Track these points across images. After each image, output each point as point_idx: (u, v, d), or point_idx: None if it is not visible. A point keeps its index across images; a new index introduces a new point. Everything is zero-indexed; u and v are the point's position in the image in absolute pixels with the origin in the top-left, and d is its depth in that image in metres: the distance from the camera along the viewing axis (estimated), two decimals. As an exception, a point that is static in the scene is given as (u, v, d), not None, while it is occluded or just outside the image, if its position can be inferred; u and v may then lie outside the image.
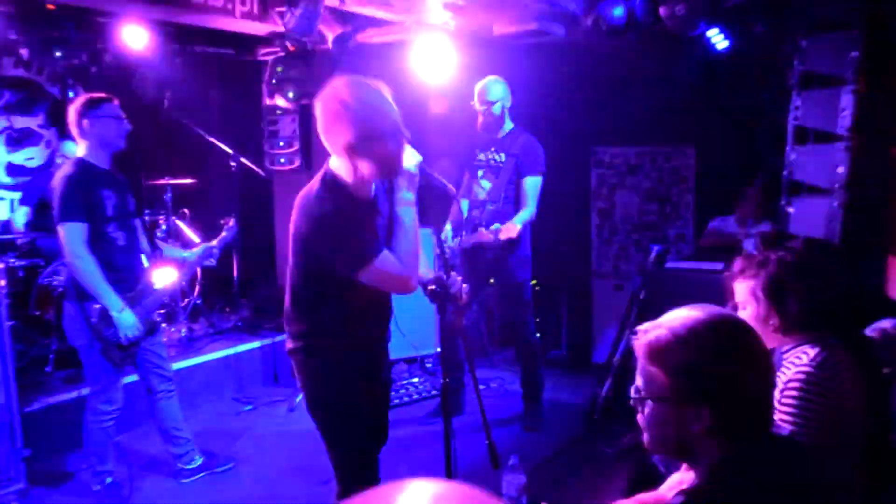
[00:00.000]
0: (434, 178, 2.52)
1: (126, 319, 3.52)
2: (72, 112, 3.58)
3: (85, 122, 3.55)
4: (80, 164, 3.57)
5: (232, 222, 4.21)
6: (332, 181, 2.42)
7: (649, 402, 1.48)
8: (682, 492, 1.41)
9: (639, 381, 1.50)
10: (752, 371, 1.42)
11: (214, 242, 4.10)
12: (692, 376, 1.41)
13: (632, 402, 1.53)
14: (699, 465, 1.46)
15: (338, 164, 2.42)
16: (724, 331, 1.44)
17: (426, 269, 2.69)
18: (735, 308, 2.18)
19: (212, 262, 4.08)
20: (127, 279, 3.65)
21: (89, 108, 3.57)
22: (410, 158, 2.40)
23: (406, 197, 2.41)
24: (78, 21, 5.17)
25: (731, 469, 1.39)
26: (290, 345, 2.62)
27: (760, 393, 1.43)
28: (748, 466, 1.38)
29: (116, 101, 3.66)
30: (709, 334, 1.42)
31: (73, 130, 3.60)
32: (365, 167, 2.35)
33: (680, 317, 1.48)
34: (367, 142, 2.29)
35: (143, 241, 3.88)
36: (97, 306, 3.49)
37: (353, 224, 2.34)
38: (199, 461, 4.08)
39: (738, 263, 2.19)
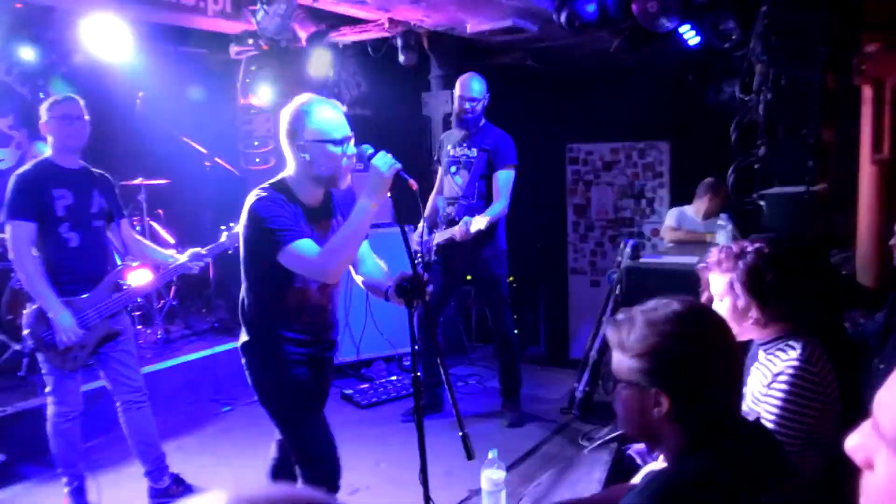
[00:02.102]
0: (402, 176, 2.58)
1: (62, 321, 3.41)
2: (41, 112, 3.55)
3: (43, 121, 3.52)
4: (40, 163, 3.51)
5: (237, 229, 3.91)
6: (279, 181, 2.69)
7: (619, 387, 1.52)
8: (646, 476, 1.44)
9: (613, 366, 1.54)
10: (715, 362, 1.44)
11: (208, 248, 3.82)
12: (655, 363, 1.45)
13: (608, 385, 1.57)
14: (666, 451, 1.49)
15: (292, 171, 2.68)
16: (690, 321, 1.46)
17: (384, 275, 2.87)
18: (710, 300, 2.21)
19: (197, 267, 3.81)
20: (77, 282, 3.54)
21: (48, 108, 3.53)
22: (384, 162, 2.52)
23: (368, 199, 2.55)
24: (48, 20, 5.11)
25: (692, 456, 1.42)
26: (240, 339, 2.84)
27: (724, 384, 1.45)
28: (709, 454, 1.41)
29: (77, 101, 3.57)
30: (675, 323, 1.45)
31: (43, 130, 3.56)
32: (314, 167, 2.61)
33: (651, 306, 1.51)
34: (318, 144, 2.58)
35: (117, 243, 3.81)
36: (34, 307, 3.43)
37: (282, 211, 2.56)
38: (166, 482, 3.84)
39: (714, 255, 2.21)
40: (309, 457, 2.81)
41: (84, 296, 3.54)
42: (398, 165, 2.53)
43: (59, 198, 3.49)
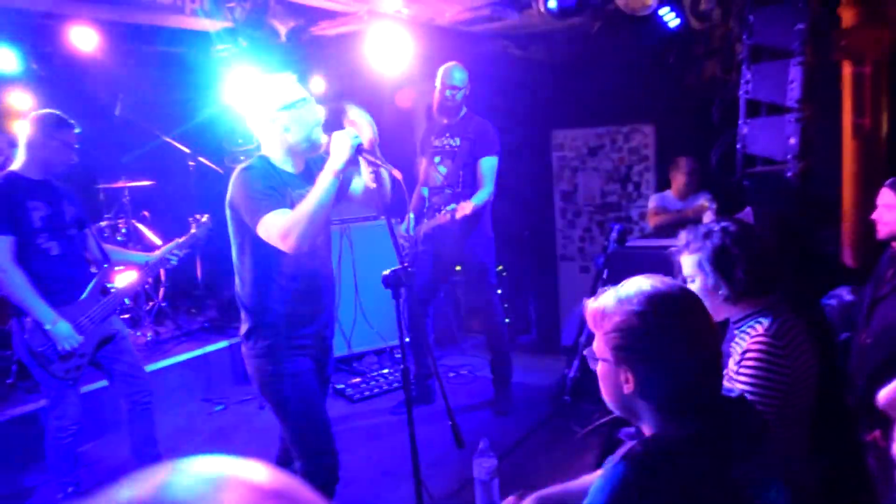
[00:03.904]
0: (380, 163, 2.59)
1: (60, 330, 3.40)
2: (32, 120, 3.49)
3: (41, 136, 3.47)
4: (7, 177, 3.47)
5: (205, 218, 3.97)
6: (257, 156, 2.75)
7: (597, 363, 1.55)
8: (621, 452, 1.45)
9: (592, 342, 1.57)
10: (683, 339, 1.44)
11: (182, 240, 3.89)
12: (621, 339, 1.46)
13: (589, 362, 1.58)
14: (644, 426, 1.50)
15: (269, 148, 2.74)
16: (658, 299, 1.46)
17: None
18: (684, 283, 2.22)
19: (174, 260, 3.85)
20: (65, 290, 3.52)
21: (52, 126, 3.48)
22: (346, 135, 2.57)
23: (331, 165, 2.56)
24: (24, 23, 5.06)
25: (666, 432, 1.43)
26: (242, 328, 2.83)
27: (694, 361, 1.45)
28: (682, 430, 1.42)
29: (77, 131, 3.57)
30: (642, 301, 1.45)
31: (22, 138, 3.51)
32: (290, 135, 2.67)
33: (627, 284, 1.52)
34: (284, 111, 2.65)
35: (94, 250, 3.79)
36: (28, 320, 3.40)
37: (263, 182, 2.60)
38: None
39: (683, 237, 2.24)
40: (308, 449, 2.81)
41: (73, 304, 3.52)
42: (354, 133, 2.59)
43: (33, 209, 3.46)
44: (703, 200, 5.04)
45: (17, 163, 3.53)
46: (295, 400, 2.78)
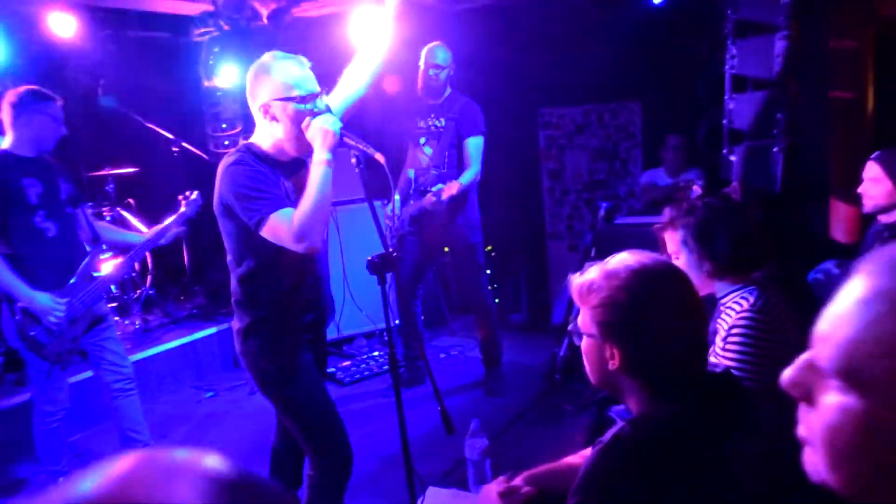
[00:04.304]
0: (361, 147, 2.51)
1: (41, 303, 3.35)
2: (10, 99, 3.42)
3: (22, 113, 3.41)
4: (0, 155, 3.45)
5: (195, 195, 3.85)
6: (247, 146, 2.56)
7: (582, 338, 1.54)
8: (613, 429, 1.45)
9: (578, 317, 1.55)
10: (669, 315, 1.44)
11: (172, 218, 3.79)
12: (607, 315, 1.45)
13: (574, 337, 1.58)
14: (630, 403, 1.50)
15: (259, 134, 2.56)
16: (644, 275, 1.45)
17: None
18: (669, 259, 2.22)
19: (165, 239, 3.80)
20: (57, 272, 3.48)
21: (31, 101, 3.42)
22: (329, 122, 2.43)
23: (320, 156, 2.43)
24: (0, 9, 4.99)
25: (653, 409, 1.43)
26: (234, 325, 2.70)
27: (680, 337, 1.44)
28: (668, 407, 1.41)
29: (60, 102, 3.51)
30: (628, 277, 1.45)
31: (5, 118, 3.46)
32: (279, 128, 2.48)
33: (614, 260, 1.51)
34: (279, 102, 2.45)
35: (86, 229, 3.74)
36: (18, 306, 3.37)
37: (258, 175, 2.44)
38: None
39: (667, 214, 2.24)
40: (322, 445, 2.70)
41: (65, 286, 3.48)
42: (339, 123, 2.44)
43: (29, 186, 3.41)
44: (693, 177, 5.05)
45: (7, 142, 3.48)
46: (301, 396, 2.65)
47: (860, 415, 0.70)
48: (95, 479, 0.55)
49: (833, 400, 0.74)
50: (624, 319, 1.43)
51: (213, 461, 0.58)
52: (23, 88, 3.49)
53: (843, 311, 0.74)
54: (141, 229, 5.72)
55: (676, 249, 2.21)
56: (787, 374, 0.80)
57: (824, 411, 0.75)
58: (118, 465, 0.56)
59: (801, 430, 0.79)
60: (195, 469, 0.57)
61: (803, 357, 0.79)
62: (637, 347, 1.43)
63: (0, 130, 3.63)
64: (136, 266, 5.54)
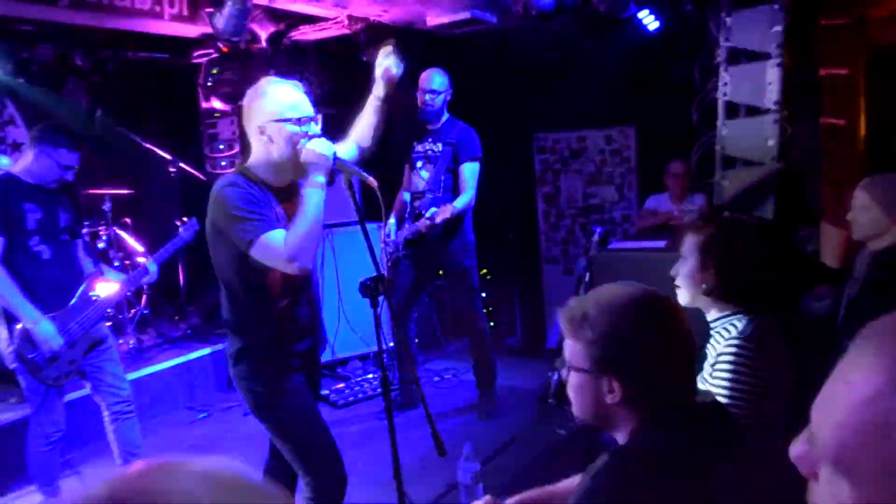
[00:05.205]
0: (356, 171, 2.54)
1: (43, 330, 3.38)
2: (35, 128, 3.57)
3: (36, 147, 3.49)
4: (5, 177, 3.48)
5: (194, 220, 3.93)
6: (240, 169, 2.59)
7: (572, 372, 1.51)
8: (601, 459, 1.45)
9: (565, 351, 1.53)
10: (667, 347, 1.44)
11: (156, 254, 3.91)
12: (606, 349, 1.44)
13: (561, 372, 1.56)
14: (620, 434, 1.49)
15: (254, 157, 2.59)
16: (641, 307, 1.46)
17: None
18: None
19: (152, 273, 3.86)
20: (54, 295, 3.50)
21: (47, 141, 3.49)
22: (323, 146, 2.47)
23: (314, 179, 2.47)
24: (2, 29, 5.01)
25: (644, 438, 1.43)
26: (227, 349, 2.71)
27: (677, 367, 1.45)
28: (661, 436, 1.42)
29: (76, 153, 3.56)
30: (625, 310, 1.45)
31: (28, 142, 3.56)
32: (275, 148, 2.51)
33: (603, 292, 1.51)
34: (275, 123, 2.49)
35: (84, 259, 3.76)
36: (19, 327, 3.38)
37: (251, 198, 2.46)
38: None
39: (695, 218, 2.24)
40: (314, 465, 2.70)
41: (62, 309, 3.50)
42: (333, 147, 2.49)
43: (29, 211, 3.47)
44: (698, 203, 5.07)
45: (18, 165, 3.58)
46: (293, 419, 2.67)
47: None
48: (109, 479, 0.58)
49: (826, 485, 0.70)
50: (626, 354, 1.43)
51: (219, 462, 0.61)
52: (49, 126, 3.60)
53: (836, 392, 0.71)
54: (136, 248, 5.75)
55: (688, 252, 2.20)
56: (793, 448, 0.76)
57: (822, 493, 0.71)
58: (130, 468, 0.59)
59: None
60: (202, 468, 0.59)
61: (805, 431, 0.75)
62: (638, 380, 1.42)
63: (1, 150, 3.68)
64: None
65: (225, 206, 2.44)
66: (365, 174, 2.51)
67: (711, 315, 2.20)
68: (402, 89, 5.20)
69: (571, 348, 1.51)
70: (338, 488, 2.72)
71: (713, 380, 2.04)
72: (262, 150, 2.55)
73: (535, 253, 6.59)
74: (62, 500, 3.72)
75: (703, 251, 2.16)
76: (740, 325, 2.09)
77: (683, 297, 2.21)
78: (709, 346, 2.17)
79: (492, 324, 4.96)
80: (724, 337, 2.10)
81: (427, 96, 4.57)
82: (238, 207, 2.42)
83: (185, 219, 4.00)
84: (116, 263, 5.53)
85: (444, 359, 5.99)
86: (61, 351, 3.45)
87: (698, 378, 2.09)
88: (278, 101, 2.51)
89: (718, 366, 2.04)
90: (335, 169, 2.51)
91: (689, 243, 2.22)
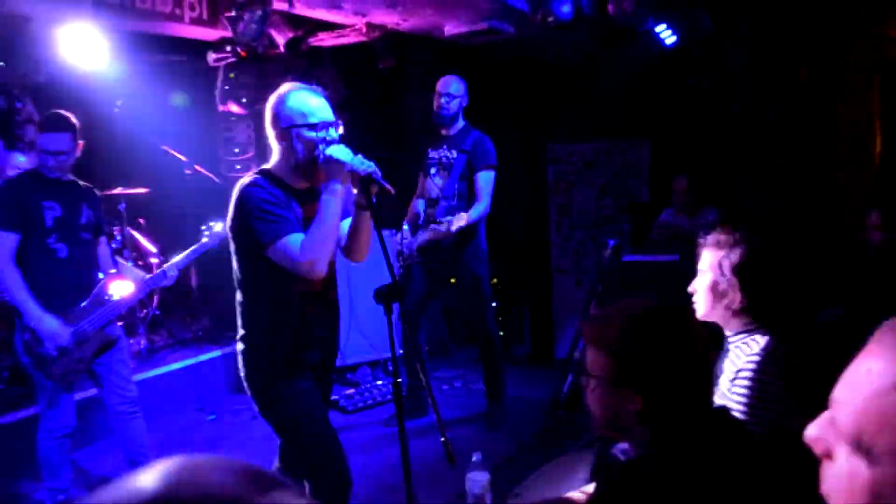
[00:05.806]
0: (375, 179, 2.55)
1: (46, 327, 3.37)
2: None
3: (36, 137, 3.51)
4: (26, 172, 3.50)
5: (219, 227, 3.75)
6: (262, 171, 2.64)
7: (591, 382, 1.53)
8: (620, 466, 1.46)
9: (586, 360, 1.55)
10: (688, 361, 1.46)
11: (191, 249, 3.83)
12: (627, 362, 1.46)
13: (581, 380, 1.58)
14: (637, 444, 1.50)
15: (275, 160, 2.64)
16: (662, 322, 1.47)
17: None
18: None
19: (173, 274, 3.80)
20: (69, 293, 3.50)
21: (39, 128, 3.50)
22: (341, 152, 2.51)
23: (332, 186, 2.51)
24: (20, 30, 5.05)
25: (662, 449, 1.44)
26: (237, 347, 2.73)
27: (696, 381, 1.46)
28: (679, 447, 1.42)
29: (65, 134, 3.45)
30: (647, 324, 1.46)
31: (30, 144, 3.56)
32: (294, 154, 2.56)
33: (626, 306, 1.52)
34: (295, 128, 2.54)
35: (106, 257, 3.76)
36: (28, 325, 3.39)
37: (273, 199, 2.50)
38: None
39: (716, 234, 2.19)
40: (318, 469, 2.72)
41: (75, 308, 3.50)
42: (351, 154, 2.51)
43: (48, 208, 3.46)
44: (712, 218, 5.04)
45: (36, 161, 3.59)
46: (299, 420, 2.68)
47: (867, 482, 0.73)
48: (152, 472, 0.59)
49: (844, 462, 0.77)
50: (648, 367, 1.45)
51: (242, 460, 0.63)
52: (48, 113, 3.56)
53: (859, 379, 0.77)
54: (150, 249, 5.77)
55: (707, 268, 2.17)
56: (810, 430, 0.83)
57: (837, 471, 0.78)
58: (160, 465, 0.61)
59: (823, 487, 0.81)
60: (231, 464, 0.62)
61: (825, 415, 0.82)
62: (658, 393, 1.44)
63: (18, 148, 3.70)
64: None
65: (247, 206, 2.49)
66: (383, 181, 2.52)
67: (731, 329, 2.17)
68: (417, 97, 5.26)
69: (593, 357, 1.53)
70: (340, 491, 2.73)
71: (731, 395, 2.03)
72: (283, 153, 2.60)
73: (546, 263, 6.58)
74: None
75: (731, 270, 2.12)
76: (762, 342, 2.06)
77: (700, 310, 2.19)
78: (727, 360, 2.15)
79: (501, 333, 4.96)
80: (744, 353, 2.08)
81: (443, 99, 4.58)
82: (259, 208, 2.47)
83: (211, 224, 3.85)
84: (129, 264, 5.55)
85: (453, 366, 5.98)
86: (70, 348, 3.45)
87: (716, 393, 2.08)
88: (299, 106, 2.56)
89: (738, 381, 2.03)
90: (357, 171, 2.51)
91: (710, 259, 2.19)
